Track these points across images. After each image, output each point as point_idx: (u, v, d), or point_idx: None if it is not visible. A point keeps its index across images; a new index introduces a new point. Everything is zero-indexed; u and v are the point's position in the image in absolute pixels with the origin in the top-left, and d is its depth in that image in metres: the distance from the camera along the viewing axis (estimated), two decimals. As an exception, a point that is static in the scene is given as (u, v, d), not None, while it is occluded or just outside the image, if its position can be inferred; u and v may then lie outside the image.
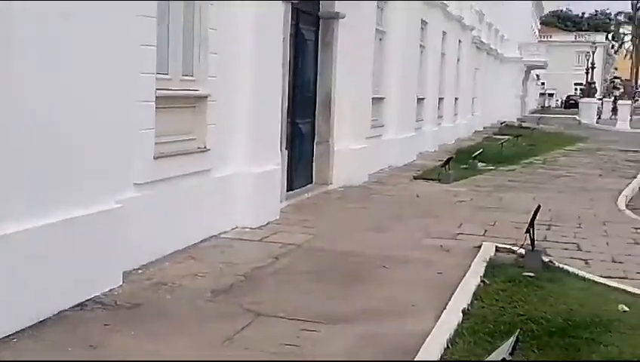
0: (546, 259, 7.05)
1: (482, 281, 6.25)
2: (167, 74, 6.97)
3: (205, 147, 7.55)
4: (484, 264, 6.83)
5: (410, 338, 4.77)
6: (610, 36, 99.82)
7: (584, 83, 62.21)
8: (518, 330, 4.55)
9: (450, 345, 4.67)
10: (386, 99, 15.57)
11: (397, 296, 5.88)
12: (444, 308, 5.38)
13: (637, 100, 67.06)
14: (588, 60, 58.43)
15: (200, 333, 4.85)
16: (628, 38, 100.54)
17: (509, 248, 7.48)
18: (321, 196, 11.17)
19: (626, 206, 11.84)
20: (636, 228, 9.56)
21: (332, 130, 11.92)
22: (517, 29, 44.40)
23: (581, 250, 8.18)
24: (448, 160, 14.04)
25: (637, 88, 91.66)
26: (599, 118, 46.71)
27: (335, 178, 11.98)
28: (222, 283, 6.03)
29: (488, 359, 4.13)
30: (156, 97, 6.52)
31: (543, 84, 79.68)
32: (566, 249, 8.15)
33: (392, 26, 15.49)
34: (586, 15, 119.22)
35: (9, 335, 4.54)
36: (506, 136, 23.51)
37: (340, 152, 12.00)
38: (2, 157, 4.58)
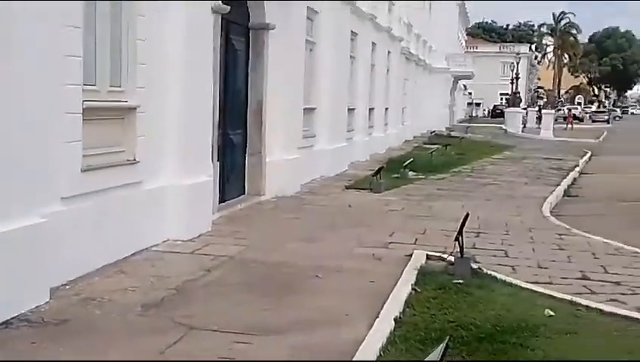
0: (474, 266, 7.22)
1: (413, 289, 6.35)
2: (94, 85, 6.85)
3: (135, 159, 7.45)
4: (415, 272, 6.94)
5: (344, 347, 4.81)
6: (533, 47, 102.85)
7: (509, 93, 63.79)
8: (448, 337, 4.63)
9: (382, 353, 4.74)
10: (318, 110, 15.66)
11: (330, 306, 5.91)
12: (377, 317, 5.45)
13: (560, 110, 69.44)
14: (512, 71, 59.94)
15: (131, 348, 4.77)
16: (550, 49, 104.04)
17: (439, 256, 7.61)
18: (254, 207, 11.14)
19: (550, 212, 12.23)
20: (560, 235, 9.86)
21: (264, 141, 11.90)
22: (444, 40, 45.24)
23: (508, 257, 8.38)
24: (379, 169, 14.20)
25: (560, 98, 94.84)
26: (524, 126, 48.09)
27: (267, 189, 11.95)
28: (153, 297, 5.94)
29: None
30: (83, 109, 6.40)
31: (470, 93, 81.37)
32: (494, 256, 8.33)
33: (322, 37, 15.61)
34: (510, 27, 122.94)
35: None
36: (436, 146, 23.90)
37: (272, 163, 11.98)
38: None
